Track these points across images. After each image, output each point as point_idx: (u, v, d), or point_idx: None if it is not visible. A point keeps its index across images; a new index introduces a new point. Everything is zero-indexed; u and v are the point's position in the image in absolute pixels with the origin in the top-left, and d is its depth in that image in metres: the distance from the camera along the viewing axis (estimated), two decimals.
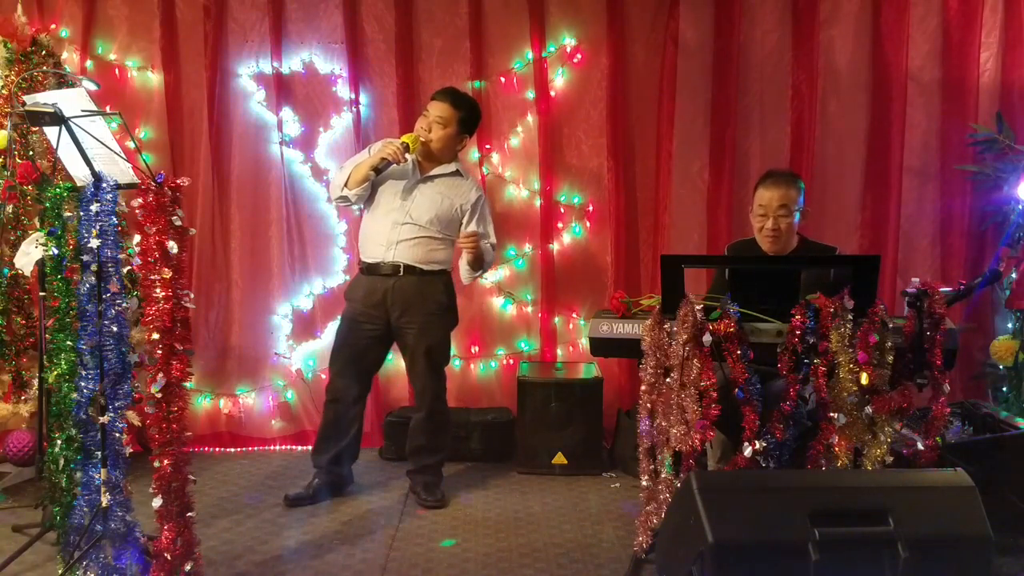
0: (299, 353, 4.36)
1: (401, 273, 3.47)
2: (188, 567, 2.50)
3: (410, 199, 3.49)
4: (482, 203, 3.61)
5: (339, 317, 3.72)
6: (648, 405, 2.65)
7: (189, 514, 2.51)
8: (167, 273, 2.40)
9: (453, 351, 4.38)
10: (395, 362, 4.12)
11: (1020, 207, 3.92)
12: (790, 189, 3.12)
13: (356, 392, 3.63)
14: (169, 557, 2.45)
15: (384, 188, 3.53)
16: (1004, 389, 4.07)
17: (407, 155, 3.41)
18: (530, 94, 4.29)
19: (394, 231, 3.47)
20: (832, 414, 2.50)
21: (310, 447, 3.81)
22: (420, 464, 3.64)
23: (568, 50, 4.28)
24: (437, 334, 3.56)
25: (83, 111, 2.57)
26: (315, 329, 4.36)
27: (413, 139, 3.45)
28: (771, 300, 2.57)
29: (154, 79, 4.23)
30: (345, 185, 3.49)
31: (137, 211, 2.43)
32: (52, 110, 2.51)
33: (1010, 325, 4.12)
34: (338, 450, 3.64)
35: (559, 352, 4.43)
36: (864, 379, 2.46)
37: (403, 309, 3.48)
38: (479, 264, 3.54)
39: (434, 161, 3.56)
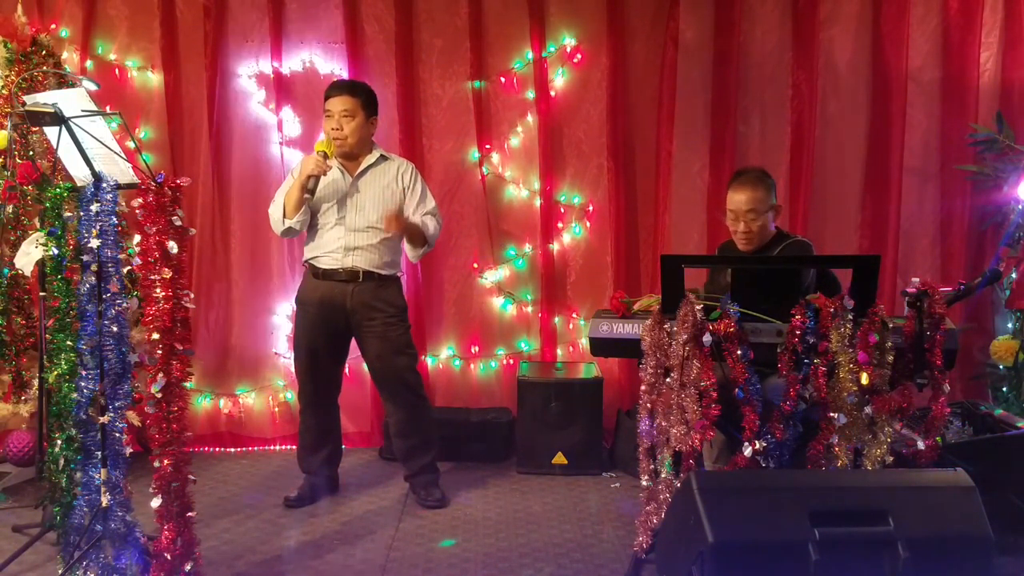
0: None
1: (360, 279, 3.43)
2: (188, 567, 2.50)
3: (354, 204, 3.44)
4: (415, 175, 3.56)
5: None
6: (648, 405, 2.65)
7: (189, 514, 2.52)
8: (167, 273, 2.40)
9: (453, 351, 4.40)
10: None
11: (1020, 207, 3.92)
12: (757, 191, 3.09)
13: (330, 393, 3.65)
14: (169, 557, 2.45)
15: (324, 202, 3.47)
16: (1004, 389, 4.07)
17: (329, 162, 3.35)
18: (530, 94, 4.28)
19: (349, 236, 3.43)
20: (832, 414, 2.50)
21: None
22: (417, 465, 3.63)
23: (568, 50, 4.28)
24: (403, 336, 3.53)
25: (83, 111, 2.57)
26: None
27: (327, 144, 3.39)
28: (769, 299, 2.57)
29: (154, 79, 4.23)
30: (285, 216, 3.43)
31: (137, 211, 2.43)
32: (52, 110, 2.51)
33: (1010, 325, 4.12)
34: (326, 453, 3.66)
35: (559, 352, 4.42)
36: (864, 379, 2.46)
37: (364, 314, 3.44)
38: (420, 239, 3.48)
39: (356, 158, 3.51)
